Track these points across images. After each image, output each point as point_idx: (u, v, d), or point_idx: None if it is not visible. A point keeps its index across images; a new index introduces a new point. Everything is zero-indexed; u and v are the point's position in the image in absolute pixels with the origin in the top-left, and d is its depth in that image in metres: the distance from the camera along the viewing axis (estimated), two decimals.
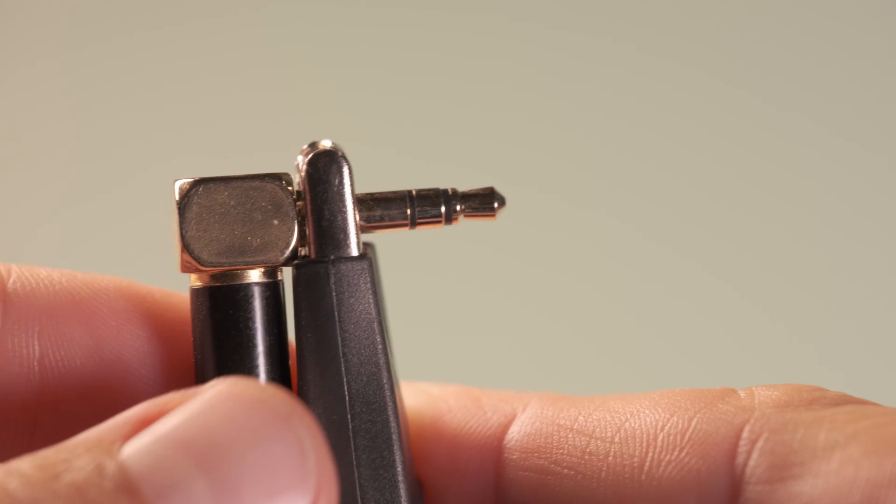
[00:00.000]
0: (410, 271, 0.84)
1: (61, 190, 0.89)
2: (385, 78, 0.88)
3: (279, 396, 0.27)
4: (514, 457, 0.33)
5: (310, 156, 0.31)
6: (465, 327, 0.86)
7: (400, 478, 0.30)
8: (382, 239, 0.34)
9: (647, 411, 0.31)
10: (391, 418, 0.30)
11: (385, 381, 0.30)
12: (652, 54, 0.87)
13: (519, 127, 0.87)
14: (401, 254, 0.77)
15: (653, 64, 0.87)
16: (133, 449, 0.26)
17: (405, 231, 0.33)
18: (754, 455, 0.29)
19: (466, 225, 0.33)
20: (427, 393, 0.36)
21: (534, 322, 0.86)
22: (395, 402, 0.31)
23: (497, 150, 0.86)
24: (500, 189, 0.33)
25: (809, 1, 0.87)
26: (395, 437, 0.30)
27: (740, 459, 0.29)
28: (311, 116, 0.89)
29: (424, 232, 0.33)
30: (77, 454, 0.25)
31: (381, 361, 0.31)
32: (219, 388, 0.27)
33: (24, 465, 0.25)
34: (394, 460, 0.30)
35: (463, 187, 0.33)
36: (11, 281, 0.33)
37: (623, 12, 0.88)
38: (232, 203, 0.31)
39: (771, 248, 0.85)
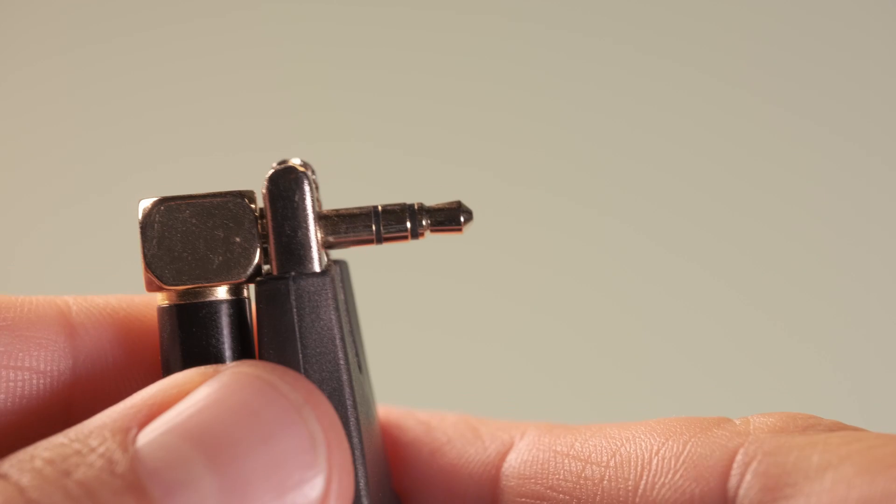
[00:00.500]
0: (404, 279, 0.84)
1: (55, 193, 0.89)
2: (378, 78, 0.88)
3: (295, 383, 0.28)
4: (511, 483, 0.34)
5: (271, 173, 0.31)
6: (460, 335, 0.86)
7: (363, 493, 0.30)
8: (381, 250, 0.34)
9: (642, 437, 0.32)
10: (354, 434, 0.30)
11: (347, 397, 0.30)
12: (651, 54, 0.87)
13: (517, 128, 0.87)
14: (392, 264, 0.77)
15: (652, 64, 0.87)
16: (146, 440, 0.26)
17: (374, 247, 0.33)
18: (748, 477, 0.29)
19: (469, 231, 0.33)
20: (426, 424, 0.36)
21: (534, 335, 0.86)
22: (357, 419, 0.31)
23: (494, 150, 0.86)
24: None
25: (809, 1, 0.86)
26: (357, 452, 0.30)
27: (733, 482, 0.29)
28: (308, 117, 0.89)
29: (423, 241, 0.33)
30: (91, 445, 0.25)
31: (343, 378, 0.30)
32: (235, 372, 0.27)
33: (38, 458, 0.25)
34: (356, 474, 0.30)
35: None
36: (74, 313, 0.34)
37: (621, 12, 0.88)
38: (194, 221, 0.31)
39: (775, 253, 0.85)
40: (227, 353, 0.31)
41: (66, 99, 0.90)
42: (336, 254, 0.34)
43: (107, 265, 0.86)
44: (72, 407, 0.34)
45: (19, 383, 0.32)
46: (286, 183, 0.31)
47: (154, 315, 0.34)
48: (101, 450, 0.25)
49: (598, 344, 0.85)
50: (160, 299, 0.31)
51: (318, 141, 0.87)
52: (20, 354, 0.33)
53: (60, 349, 0.33)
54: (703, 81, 0.87)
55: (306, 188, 0.31)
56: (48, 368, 0.33)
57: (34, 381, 0.33)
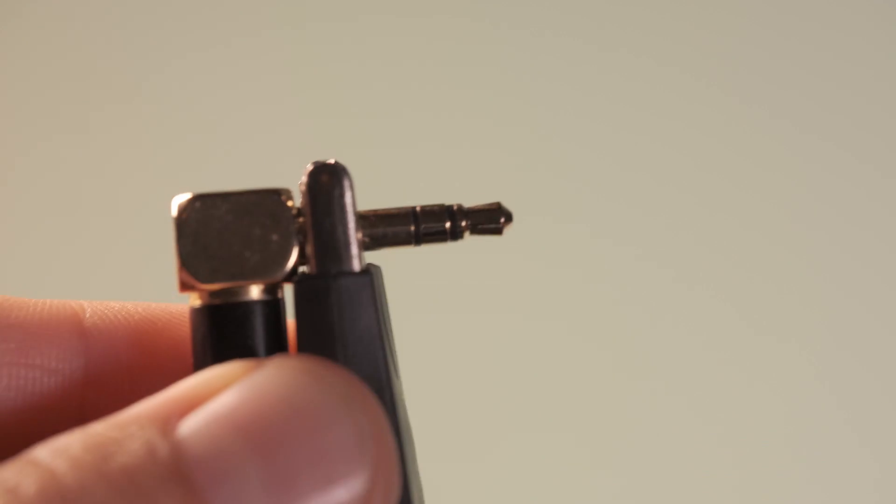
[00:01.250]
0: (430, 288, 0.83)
1: (65, 204, 0.89)
2: (387, 86, 0.88)
3: (341, 377, 0.27)
4: None
5: (311, 169, 0.30)
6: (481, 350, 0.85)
7: (414, 498, 0.30)
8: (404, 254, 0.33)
9: None
10: (395, 437, 0.30)
11: (388, 398, 0.30)
12: (648, 59, 0.87)
13: (536, 132, 0.87)
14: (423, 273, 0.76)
15: (650, 71, 0.87)
16: (189, 430, 0.25)
17: (411, 249, 0.32)
18: None
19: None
20: None
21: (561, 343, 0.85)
22: (397, 421, 0.30)
23: (499, 161, 0.85)
24: (508, 201, 0.32)
25: (800, 5, 0.86)
26: (399, 455, 0.30)
27: None
28: (317, 129, 0.88)
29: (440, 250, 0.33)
30: (129, 433, 0.25)
31: (384, 378, 0.30)
32: (280, 364, 0.27)
33: (74, 444, 0.24)
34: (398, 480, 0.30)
35: (469, 197, 0.33)
36: (88, 315, 0.33)
37: (619, 18, 0.88)
38: (230, 218, 0.30)
39: (778, 263, 0.84)
40: (264, 353, 0.30)
41: (72, 106, 0.89)
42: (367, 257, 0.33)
43: (121, 273, 0.86)
44: (84, 407, 0.33)
45: (30, 380, 0.32)
46: (328, 178, 0.30)
47: (171, 319, 0.34)
48: (142, 437, 0.25)
49: (630, 355, 0.84)
50: (193, 300, 0.31)
51: (330, 144, 0.87)
52: (31, 352, 0.32)
53: (73, 348, 0.33)
54: (706, 88, 0.86)
55: (347, 185, 0.30)
56: (60, 367, 0.33)
57: (45, 379, 0.32)
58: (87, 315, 0.33)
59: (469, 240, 0.32)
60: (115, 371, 0.33)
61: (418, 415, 0.37)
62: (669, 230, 0.85)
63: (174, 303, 0.35)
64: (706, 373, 0.83)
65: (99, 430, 0.25)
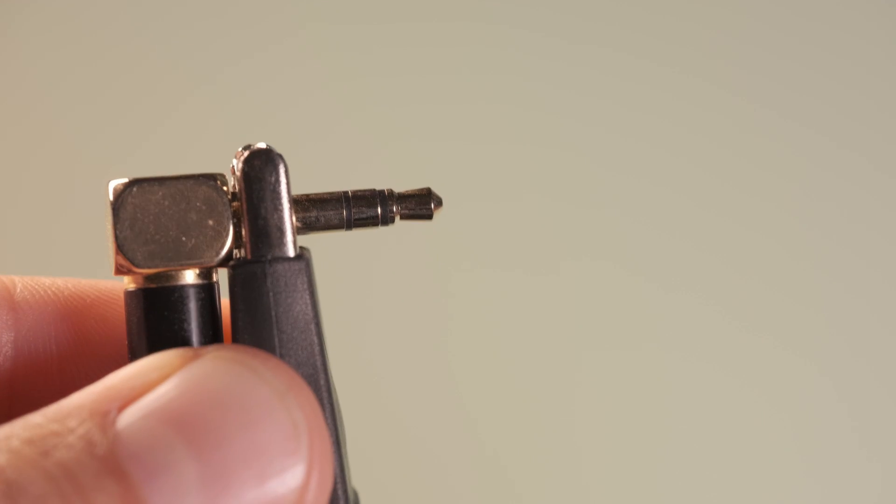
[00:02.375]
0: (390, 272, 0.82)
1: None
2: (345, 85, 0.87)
3: (277, 369, 0.27)
4: None
5: (245, 154, 0.31)
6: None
7: (338, 479, 0.30)
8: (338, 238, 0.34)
9: None
10: (328, 420, 0.30)
11: (322, 382, 0.30)
12: (644, 59, 0.86)
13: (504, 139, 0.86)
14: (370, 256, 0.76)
15: (647, 70, 0.86)
16: (126, 423, 0.25)
17: (342, 233, 0.33)
18: None
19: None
20: None
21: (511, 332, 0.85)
22: (332, 405, 0.31)
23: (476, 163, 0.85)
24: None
25: (798, 4, 0.86)
26: (332, 438, 0.30)
27: None
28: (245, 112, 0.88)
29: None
30: (69, 427, 0.25)
31: (319, 363, 0.30)
32: (216, 357, 0.27)
33: (14, 438, 0.25)
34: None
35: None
36: (19, 289, 0.33)
37: (612, 17, 0.87)
38: (166, 203, 0.30)
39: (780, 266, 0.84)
40: (200, 338, 0.30)
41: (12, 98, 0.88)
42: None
43: (53, 252, 0.85)
44: (14, 381, 0.34)
45: None
46: (262, 164, 0.30)
47: (100, 296, 0.34)
48: (81, 431, 0.25)
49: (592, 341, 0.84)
50: (128, 283, 0.31)
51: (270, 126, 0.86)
52: None
53: (2, 321, 0.33)
54: (700, 87, 0.86)
55: (282, 170, 0.31)
56: None
57: None
58: (18, 290, 0.34)
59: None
60: (44, 345, 0.34)
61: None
62: (667, 230, 0.85)
63: (103, 279, 0.36)
64: (706, 373, 0.84)
65: (39, 421, 0.25)
